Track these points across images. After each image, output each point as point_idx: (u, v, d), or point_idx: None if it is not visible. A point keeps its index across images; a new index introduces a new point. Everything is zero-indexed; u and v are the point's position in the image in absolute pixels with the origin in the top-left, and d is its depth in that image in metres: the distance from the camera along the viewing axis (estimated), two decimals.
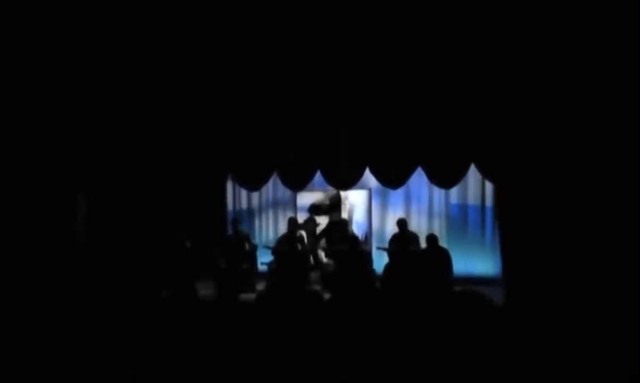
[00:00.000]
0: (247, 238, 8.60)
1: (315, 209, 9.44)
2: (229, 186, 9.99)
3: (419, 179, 9.12)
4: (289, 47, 6.87)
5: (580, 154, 6.41)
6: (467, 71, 6.87)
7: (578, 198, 6.39)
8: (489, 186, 8.55)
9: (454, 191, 8.96)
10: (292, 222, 8.60)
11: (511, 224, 6.87)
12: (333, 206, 9.33)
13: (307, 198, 9.54)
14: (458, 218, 8.92)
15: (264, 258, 8.41)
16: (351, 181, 7.58)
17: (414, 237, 7.95)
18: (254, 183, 8.25)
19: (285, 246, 8.20)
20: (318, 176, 9.56)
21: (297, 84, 7.42)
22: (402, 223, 8.02)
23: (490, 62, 6.77)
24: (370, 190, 9.30)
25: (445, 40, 6.72)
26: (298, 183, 7.98)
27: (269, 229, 9.86)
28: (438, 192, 9.05)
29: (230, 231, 8.96)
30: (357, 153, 7.29)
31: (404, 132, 7.11)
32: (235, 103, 7.61)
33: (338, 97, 7.27)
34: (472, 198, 8.87)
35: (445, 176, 7.29)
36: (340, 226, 8.85)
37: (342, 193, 9.27)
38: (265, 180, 8.08)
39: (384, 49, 6.93)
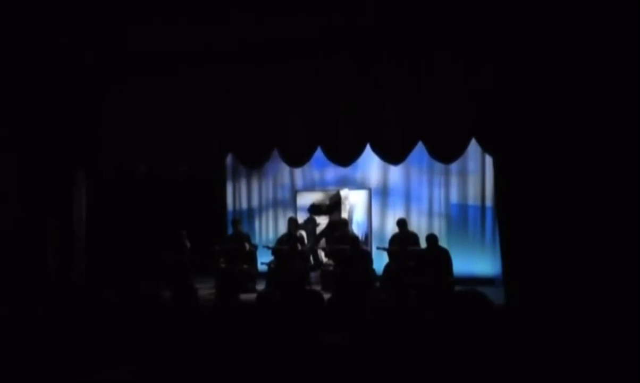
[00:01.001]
0: (247, 238, 8.61)
1: (315, 209, 9.45)
2: (229, 186, 10.02)
3: (419, 179, 9.17)
4: (288, 21, 6.74)
5: (582, 141, 6.36)
6: (468, 43, 6.79)
7: (579, 192, 6.37)
8: (489, 186, 8.56)
9: (454, 191, 8.98)
10: (292, 222, 8.60)
11: (511, 223, 6.84)
12: (333, 206, 9.34)
13: (307, 198, 9.56)
14: (458, 218, 8.93)
15: (264, 258, 8.41)
16: (351, 158, 7.49)
17: (414, 237, 7.95)
18: (254, 160, 8.13)
19: (285, 246, 8.20)
20: (318, 176, 9.65)
21: (297, 58, 7.34)
22: (402, 223, 8.02)
23: (491, 34, 6.67)
24: (370, 190, 9.31)
25: (446, 10, 6.60)
26: (298, 160, 7.85)
27: (269, 229, 9.88)
28: (438, 192, 9.07)
29: (230, 231, 8.97)
30: (357, 129, 7.22)
31: (404, 106, 7.04)
32: (234, 79, 7.52)
33: (337, 72, 7.19)
34: (472, 198, 8.89)
35: (445, 150, 7.22)
36: (340, 226, 8.85)
37: (342, 193, 9.29)
38: (265, 157, 7.89)
39: (385, 21, 6.80)
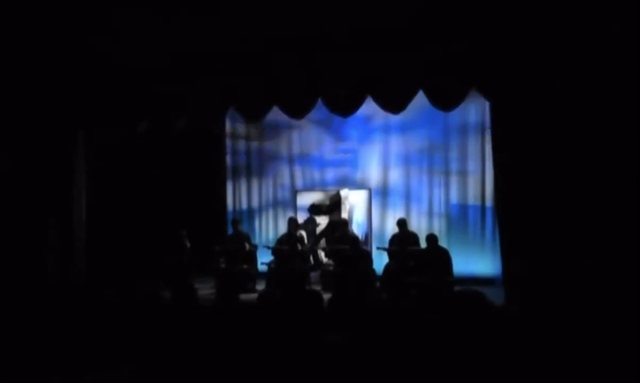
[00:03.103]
0: (247, 238, 8.61)
1: (315, 209, 9.45)
2: (229, 186, 10.03)
3: (419, 179, 9.18)
4: None
5: (582, 138, 6.33)
6: None
7: (580, 192, 6.35)
8: (489, 186, 8.55)
9: (454, 191, 8.99)
10: (292, 222, 8.60)
11: (511, 223, 6.82)
12: (333, 206, 9.34)
13: (307, 198, 9.56)
14: (458, 218, 8.94)
15: (264, 258, 8.41)
16: (352, 108, 7.47)
17: (414, 237, 7.95)
18: (254, 113, 7.99)
19: (285, 246, 8.20)
20: (318, 176, 9.66)
21: (295, 12, 7.22)
22: (402, 223, 8.02)
23: None
24: (370, 190, 9.32)
25: None
26: (299, 112, 7.72)
27: (269, 229, 9.88)
28: (438, 192, 9.08)
29: (230, 231, 8.97)
30: (357, 79, 7.17)
31: (403, 55, 6.98)
32: (232, 35, 7.42)
33: (336, 23, 7.09)
34: (472, 198, 8.89)
35: (446, 98, 7.19)
36: (340, 226, 8.85)
37: (342, 193, 9.29)
38: (266, 109, 7.79)
39: None
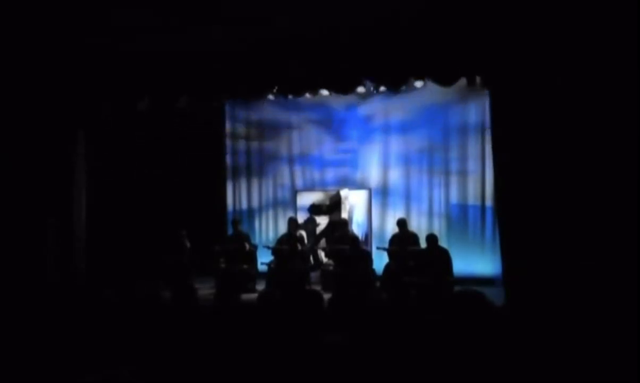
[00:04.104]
0: (247, 238, 8.61)
1: (315, 209, 9.46)
2: (229, 186, 10.03)
3: (419, 179, 9.18)
4: None
5: (582, 138, 6.32)
6: None
7: (580, 192, 6.35)
8: (489, 186, 8.56)
9: (454, 191, 8.99)
10: (292, 222, 8.60)
11: (511, 223, 6.82)
12: (333, 206, 9.34)
13: (307, 198, 9.56)
14: (458, 218, 8.94)
15: (264, 258, 8.42)
16: (351, 87, 7.54)
17: (414, 237, 7.95)
18: (254, 95, 8.08)
19: (285, 246, 8.20)
20: (318, 176, 9.66)
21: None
22: (402, 223, 8.03)
23: None
24: (370, 190, 9.32)
25: None
26: (299, 90, 7.83)
27: (269, 229, 9.88)
28: (438, 192, 9.08)
29: (230, 231, 8.97)
30: (355, 60, 7.20)
31: (405, 37, 6.98)
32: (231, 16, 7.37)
33: (336, 4, 7.05)
34: (472, 198, 8.89)
35: (445, 78, 7.19)
36: (340, 226, 8.85)
37: (342, 193, 9.30)
38: (266, 91, 7.90)
39: None
